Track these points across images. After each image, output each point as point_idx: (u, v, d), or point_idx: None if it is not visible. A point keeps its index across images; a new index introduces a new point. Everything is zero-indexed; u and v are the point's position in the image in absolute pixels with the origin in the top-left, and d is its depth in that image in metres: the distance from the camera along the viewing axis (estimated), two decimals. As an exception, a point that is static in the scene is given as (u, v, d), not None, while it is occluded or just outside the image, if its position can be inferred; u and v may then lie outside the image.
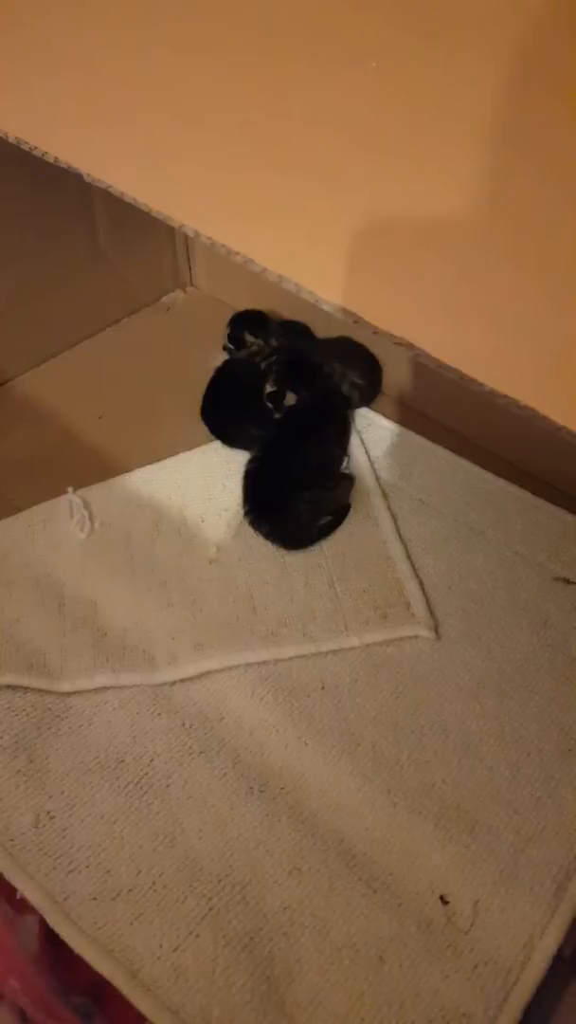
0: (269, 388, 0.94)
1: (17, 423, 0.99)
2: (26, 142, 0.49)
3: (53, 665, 0.74)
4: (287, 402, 0.93)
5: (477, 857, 0.63)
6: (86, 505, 0.88)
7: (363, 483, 0.91)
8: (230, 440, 0.95)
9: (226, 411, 0.97)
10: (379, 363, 1.00)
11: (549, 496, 0.89)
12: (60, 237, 0.99)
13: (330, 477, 0.90)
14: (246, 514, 0.86)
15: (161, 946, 0.58)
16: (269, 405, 0.93)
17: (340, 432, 0.95)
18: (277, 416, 0.92)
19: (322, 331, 1.04)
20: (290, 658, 0.75)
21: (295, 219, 0.39)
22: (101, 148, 0.46)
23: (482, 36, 0.29)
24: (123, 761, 0.68)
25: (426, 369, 0.37)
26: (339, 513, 0.87)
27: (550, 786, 0.67)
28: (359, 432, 0.97)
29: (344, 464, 0.93)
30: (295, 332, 1.04)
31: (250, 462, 0.89)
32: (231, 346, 1.03)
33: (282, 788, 0.67)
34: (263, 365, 0.96)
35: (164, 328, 1.14)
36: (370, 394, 0.99)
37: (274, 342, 1.01)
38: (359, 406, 0.99)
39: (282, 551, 0.84)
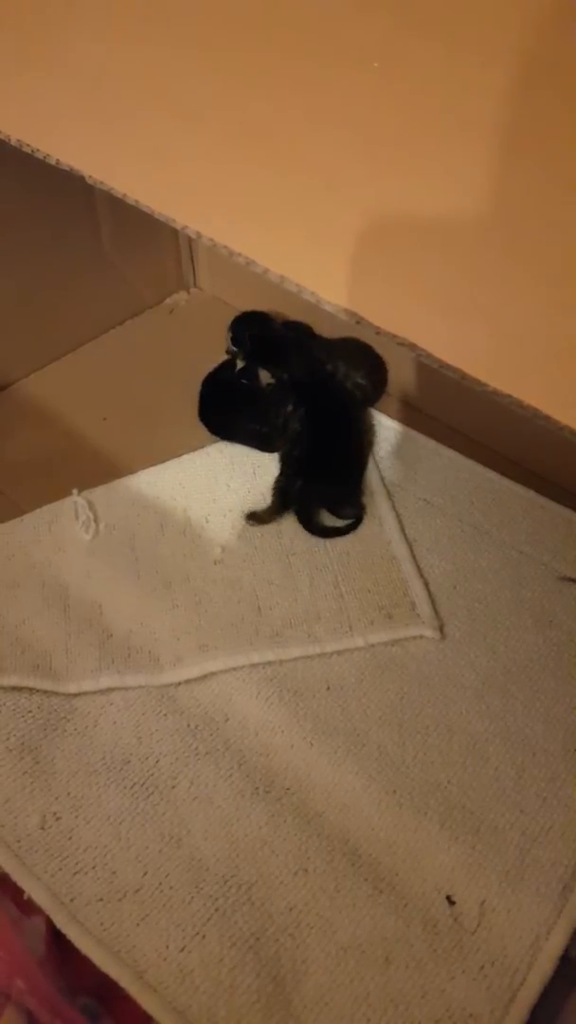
0: (239, 364, 0.97)
1: (21, 425, 0.99)
2: (28, 144, 0.49)
3: (59, 666, 0.74)
4: (265, 379, 0.95)
5: (483, 857, 0.62)
6: (91, 507, 0.88)
7: (368, 483, 0.91)
8: (230, 436, 0.96)
9: (223, 409, 0.97)
10: (384, 363, 1.00)
11: (554, 496, 0.88)
12: (63, 240, 0.99)
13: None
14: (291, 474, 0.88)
15: (167, 947, 0.58)
16: (244, 382, 0.96)
17: (342, 408, 0.95)
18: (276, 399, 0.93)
19: (325, 332, 1.04)
20: (295, 659, 0.75)
21: (297, 220, 0.39)
22: (103, 150, 0.46)
23: (484, 36, 0.29)
24: (129, 762, 0.68)
25: (430, 369, 0.37)
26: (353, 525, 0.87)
27: (555, 786, 0.66)
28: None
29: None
30: (298, 332, 1.04)
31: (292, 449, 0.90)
32: (235, 348, 1.03)
33: (287, 789, 0.67)
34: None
35: (168, 330, 1.14)
36: (374, 395, 0.99)
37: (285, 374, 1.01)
38: (363, 406, 0.99)
39: (287, 551, 0.84)
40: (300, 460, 0.88)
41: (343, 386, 0.96)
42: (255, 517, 0.86)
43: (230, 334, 1.04)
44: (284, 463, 0.90)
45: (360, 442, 0.94)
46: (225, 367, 1.01)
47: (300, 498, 0.87)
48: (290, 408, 0.91)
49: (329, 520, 0.88)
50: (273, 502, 0.87)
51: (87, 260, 1.04)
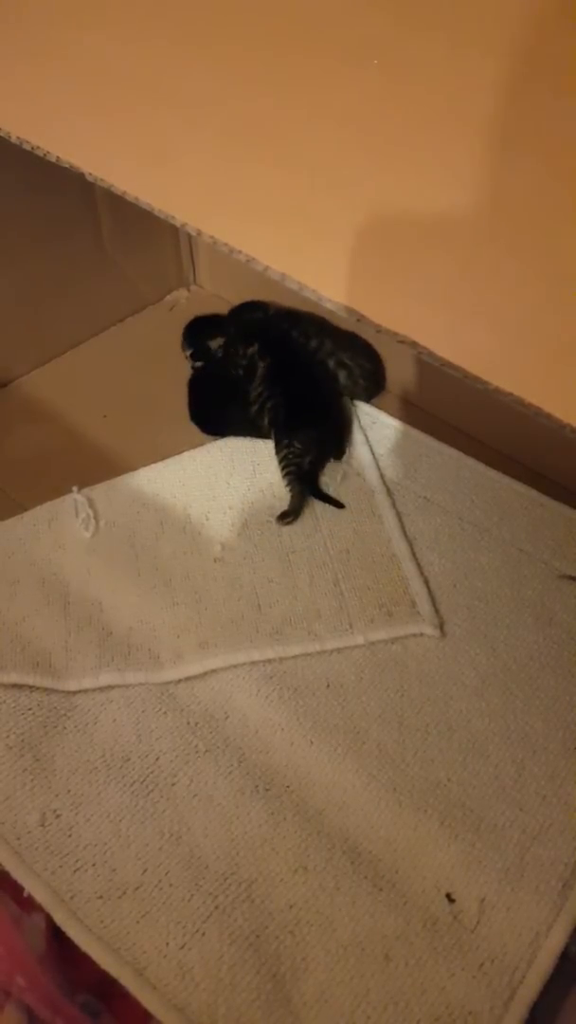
0: (186, 351, 1.04)
1: (22, 422, 0.99)
2: (27, 142, 0.49)
3: (59, 664, 0.74)
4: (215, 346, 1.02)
5: (483, 855, 0.63)
6: (91, 504, 0.88)
7: (368, 481, 0.91)
8: (225, 430, 0.96)
9: (213, 405, 0.98)
10: (377, 353, 1.00)
11: (554, 494, 0.88)
12: (64, 237, 0.99)
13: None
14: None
15: (167, 944, 0.58)
16: (197, 364, 1.02)
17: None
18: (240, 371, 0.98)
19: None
20: (295, 656, 0.75)
21: (297, 217, 0.38)
22: (102, 146, 0.46)
23: (484, 32, 0.29)
24: (129, 760, 0.68)
25: (430, 367, 0.37)
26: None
27: (555, 784, 0.67)
28: (364, 430, 0.97)
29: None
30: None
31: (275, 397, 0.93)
32: (198, 363, 1.05)
33: (287, 786, 0.67)
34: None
35: (168, 327, 1.14)
36: (363, 380, 0.99)
37: (231, 328, 1.04)
38: (352, 390, 1.00)
39: (287, 549, 0.84)
40: (285, 424, 0.91)
41: (316, 354, 0.98)
42: (286, 516, 0.87)
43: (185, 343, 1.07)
44: (273, 428, 0.92)
45: (336, 389, 0.98)
46: (199, 371, 1.03)
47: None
48: (250, 350, 0.95)
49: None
50: (293, 491, 0.88)
51: (87, 257, 1.04)
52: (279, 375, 0.94)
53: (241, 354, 0.97)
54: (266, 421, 0.93)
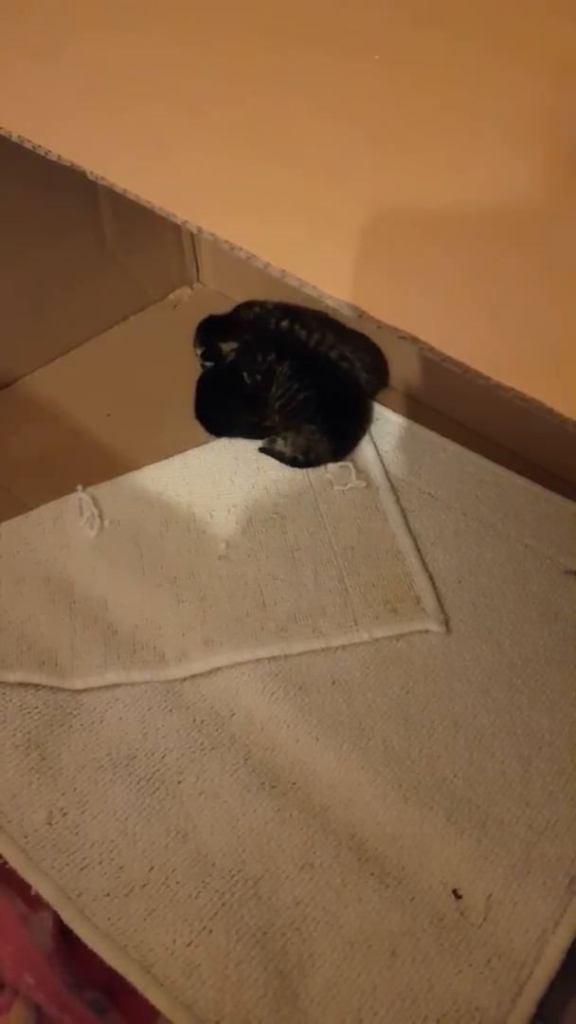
0: (198, 350, 1.04)
1: (26, 422, 0.99)
2: (28, 140, 0.49)
3: (64, 662, 0.74)
4: (227, 349, 1.02)
5: (489, 851, 0.62)
6: (95, 503, 0.88)
7: (372, 477, 0.91)
8: (228, 432, 0.96)
9: (219, 406, 0.98)
10: (377, 347, 0.99)
11: (559, 489, 0.88)
12: (66, 236, 0.99)
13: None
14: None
15: (174, 941, 0.58)
16: (207, 364, 1.02)
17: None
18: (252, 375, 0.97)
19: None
20: (300, 653, 0.75)
21: (298, 213, 0.38)
22: (103, 144, 0.46)
23: (484, 28, 0.29)
24: (135, 757, 0.68)
25: (433, 363, 0.37)
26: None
27: (562, 780, 0.66)
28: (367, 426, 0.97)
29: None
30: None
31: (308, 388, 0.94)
32: (208, 363, 1.05)
33: (293, 783, 0.67)
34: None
35: (171, 325, 1.14)
36: (363, 373, 0.99)
37: (247, 337, 1.02)
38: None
39: (291, 547, 0.84)
40: (317, 412, 0.92)
41: (319, 348, 0.98)
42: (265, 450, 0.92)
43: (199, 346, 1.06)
44: (298, 415, 0.92)
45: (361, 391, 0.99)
46: (209, 371, 1.02)
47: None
48: (269, 357, 0.95)
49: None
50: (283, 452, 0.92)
51: (90, 256, 1.04)
52: (306, 372, 0.94)
53: (260, 361, 0.96)
54: (290, 408, 0.93)
